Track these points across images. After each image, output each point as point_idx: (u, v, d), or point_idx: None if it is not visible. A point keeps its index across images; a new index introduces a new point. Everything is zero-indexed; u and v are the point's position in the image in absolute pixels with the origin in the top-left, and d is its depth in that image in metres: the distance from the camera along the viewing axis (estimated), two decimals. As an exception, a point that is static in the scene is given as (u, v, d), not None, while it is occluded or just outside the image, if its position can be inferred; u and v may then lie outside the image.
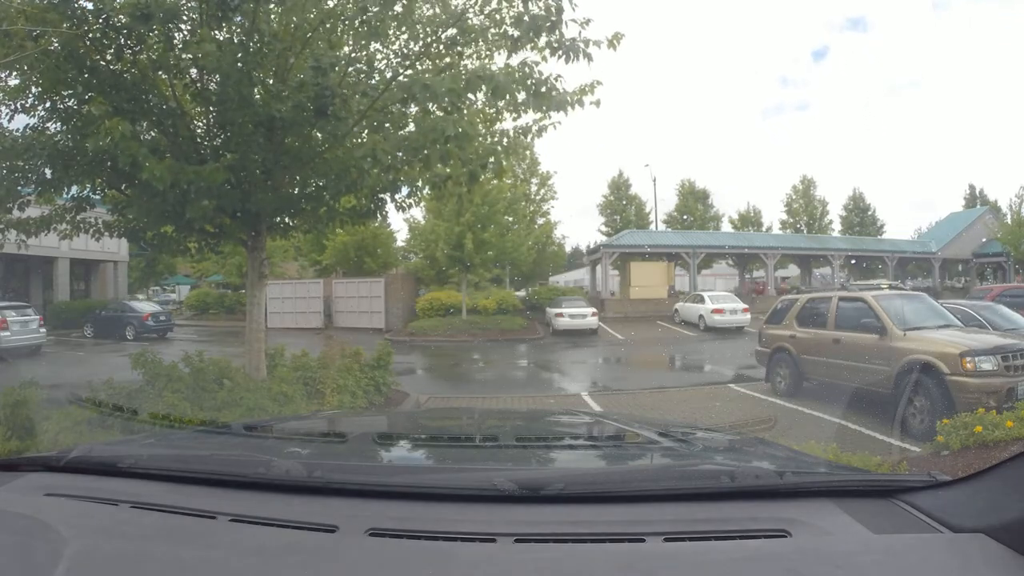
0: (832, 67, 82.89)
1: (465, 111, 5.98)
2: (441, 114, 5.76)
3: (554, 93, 5.70)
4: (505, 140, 6.56)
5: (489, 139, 6.51)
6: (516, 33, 5.62)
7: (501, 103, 6.04)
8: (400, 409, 8.00)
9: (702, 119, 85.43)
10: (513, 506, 1.20)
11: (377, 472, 1.47)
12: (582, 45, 5.43)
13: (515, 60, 5.81)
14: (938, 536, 1.12)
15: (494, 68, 5.80)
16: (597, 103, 5.95)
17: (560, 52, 5.49)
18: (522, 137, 6.62)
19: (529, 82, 5.59)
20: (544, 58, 5.65)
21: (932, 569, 1.02)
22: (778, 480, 1.33)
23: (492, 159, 6.20)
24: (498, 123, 6.57)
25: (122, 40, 5.65)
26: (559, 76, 5.73)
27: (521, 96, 5.76)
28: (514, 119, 6.42)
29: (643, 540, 1.08)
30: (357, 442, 1.67)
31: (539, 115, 6.21)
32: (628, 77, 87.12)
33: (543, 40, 5.57)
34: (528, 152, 33.10)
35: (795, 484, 1.32)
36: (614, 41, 5.54)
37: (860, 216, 41.70)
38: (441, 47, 5.88)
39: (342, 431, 1.73)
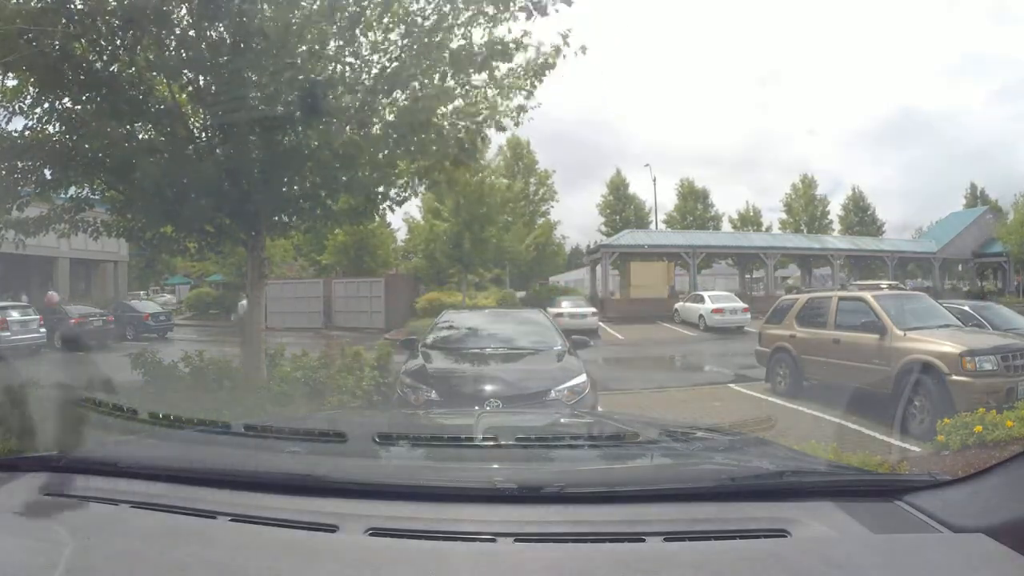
0: (833, 63, 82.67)
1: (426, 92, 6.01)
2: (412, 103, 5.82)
3: (523, 49, 5.73)
4: (493, 109, 6.52)
5: (466, 122, 6.51)
6: (491, 10, 5.67)
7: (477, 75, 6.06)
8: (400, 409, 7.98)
9: (702, 119, 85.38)
10: (513, 506, 1.20)
11: (377, 472, 1.47)
12: None
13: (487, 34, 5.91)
14: (938, 536, 1.12)
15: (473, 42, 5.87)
16: (583, 50, 5.96)
17: (534, 11, 5.55)
18: (515, 111, 6.60)
19: (497, 47, 5.64)
20: (513, 17, 5.71)
21: (932, 569, 1.02)
22: (778, 480, 1.33)
23: (467, 144, 6.20)
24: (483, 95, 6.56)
25: (117, 42, 5.66)
26: (526, 32, 5.81)
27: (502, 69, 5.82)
28: (496, 91, 6.43)
29: (643, 540, 1.08)
30: (357, 442, 1.67)
31: (525, 89, 6.23)
32: (629, 77, 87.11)
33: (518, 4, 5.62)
34: (525, 149, 33.24)
35: (795, 484, 1.32)
36: None
37: (860, 216, 41.68)
38: (425, 37, 5.92)
39: (342, 431, 1.73)
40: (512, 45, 5.71)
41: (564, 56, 5.95)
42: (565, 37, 5.92)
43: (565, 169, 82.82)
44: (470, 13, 5.83)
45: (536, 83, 6.27)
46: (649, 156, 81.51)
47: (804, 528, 1.11)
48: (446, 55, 5.77)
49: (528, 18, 5.65)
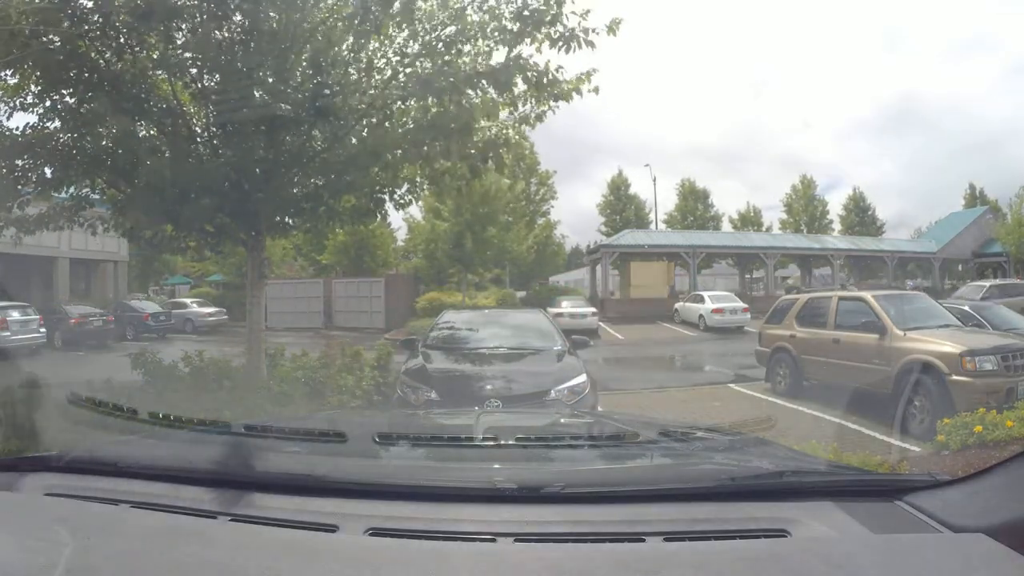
0: (831, 61, 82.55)
1: (467, 103, 6.02)
2: (443, 109, 5.81)
3: (555, 82, 5.78)
4: (509, 130, 6.62)
5: (492, 131, 6.55)
6: (515, 27, 5.67)
7: (500, 97, 6.09)
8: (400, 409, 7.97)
9: (702, 117, 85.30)
10: (513, 506, 1.20)
11: (377, 472, 1.47)
12: (581, 34, 5.50)
13: (513, 53, 5.90)
14: (938, 536, 1.12)
15: (493, 63, 5.86)
16: (596, 90, 6.06)
17: (560, 43, 5.56)
18: (522, 126, 6.67)
19: (530, 74, 5.65)
20: (539, 50, 5.77)
21: (932, 569, 1.02)
22: (778, 480, 1.33)
23: (491, 153, 6.25)
24: (499, 114, 6.63)
25: (122, 39, 5.66)
26: (560, 67, 5.84)
27: (519, 88, 5.84)
28: (511, 111, 6.48)
29: (643, 540, 1.08)
30: (357, 442, 1.67)
31: (539, 104, 6.28)
32: (629, 76, 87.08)
33: (542, 32, 5.64)
34: (528, 151, 33.25)
35: (795, 484, 1.32)
36: (613, 27, 5.67)
37: (860, 216, 41.68)
38: (441, 45, 5.93)
39: (342, 431, 1.73)
40: (538, 74, 5.75)
41: (585, 93, 6.06)
42: (589, 75, 6.03)
43: (558, 164, 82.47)
44: (491, 26, 5.87)
45: (554, 109, 6.35)
46: (642, 149, 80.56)
47: (804, 528, 1.11)
48: (464, 67, 5.80)
49: (553, 46, 5.71)
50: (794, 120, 75.50)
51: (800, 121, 78.60)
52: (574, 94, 6.03)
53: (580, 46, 5.61)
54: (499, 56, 5.95)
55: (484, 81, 5.69)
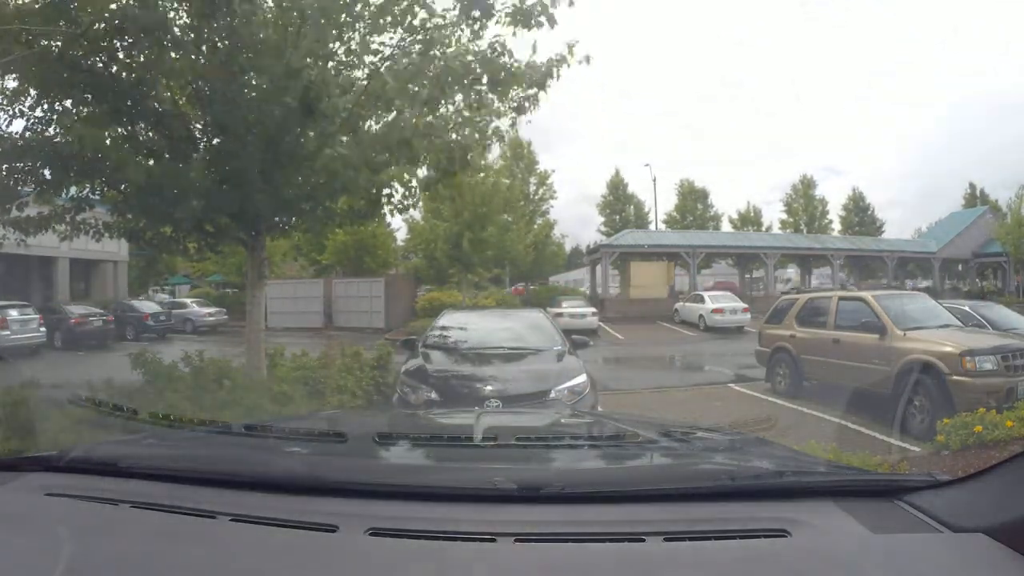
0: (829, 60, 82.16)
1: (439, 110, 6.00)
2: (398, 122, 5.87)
3: (514, 70, 5.70)
4: (476, 135, 6.50)
5: (464, 132, 6.49)
6: (476, 12, 5.64)
7: (463, 95, 6.02)
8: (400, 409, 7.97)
9: (702, 116, 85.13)
10: (513, 506, 1.20)
11: (377, 472, 1.47)
12: (539, 8, 5.41)
13: (483, 43, 5.87)
14: (938, 536, 1.12)
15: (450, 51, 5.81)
16: (587, 59, 5.89)
17: (519, 20, 5.48)
18: (505, 121, 6.59)
19: (487, 64, 5.62)
20: (515, 33, 5.68)
21: (932, 569, 1.02)
22: (778, 480, 1.34)
23: (457, 153, 6.22)
24: (477, 117, 6.57)
25: (116, 44, 5.65)
26: (512, 56, 5.79)
27: (485, 82, 5.81)
28: (494, 112, 6.43)
29: (643, 540, 1.08)
30: (357, 442, 1.67)
31: (521, 91, 6.19)
32: (629, 75, 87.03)
33: (502, 8, 5.58)
34: (525, 149, 33.25)
35: (795, 484, 1.32)
36: None
37: (860, 216, 41.70)
38: (418, 46, 5.93)
39: (342, 431, 1.73)
40: (509, 64, 5.71)
41: (568, 66, 5.93)
42: (571, 47, 5.85)
43: (554, 161, 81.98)
44: (455, 18, 5.83)
45: (532, 105, 6.26)
46: (631, 134, 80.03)
47: (804, 528, 1.11)
48: (441, 63, 5.76)
49: (513, 24, 5.63)
50: (785, 95, 74.85)
51: (791, 94, 78.18)
52: (550, 80, 5.89)
53: (540, 23, 5.47)
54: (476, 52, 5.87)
55: (435, 68, 5.63)
